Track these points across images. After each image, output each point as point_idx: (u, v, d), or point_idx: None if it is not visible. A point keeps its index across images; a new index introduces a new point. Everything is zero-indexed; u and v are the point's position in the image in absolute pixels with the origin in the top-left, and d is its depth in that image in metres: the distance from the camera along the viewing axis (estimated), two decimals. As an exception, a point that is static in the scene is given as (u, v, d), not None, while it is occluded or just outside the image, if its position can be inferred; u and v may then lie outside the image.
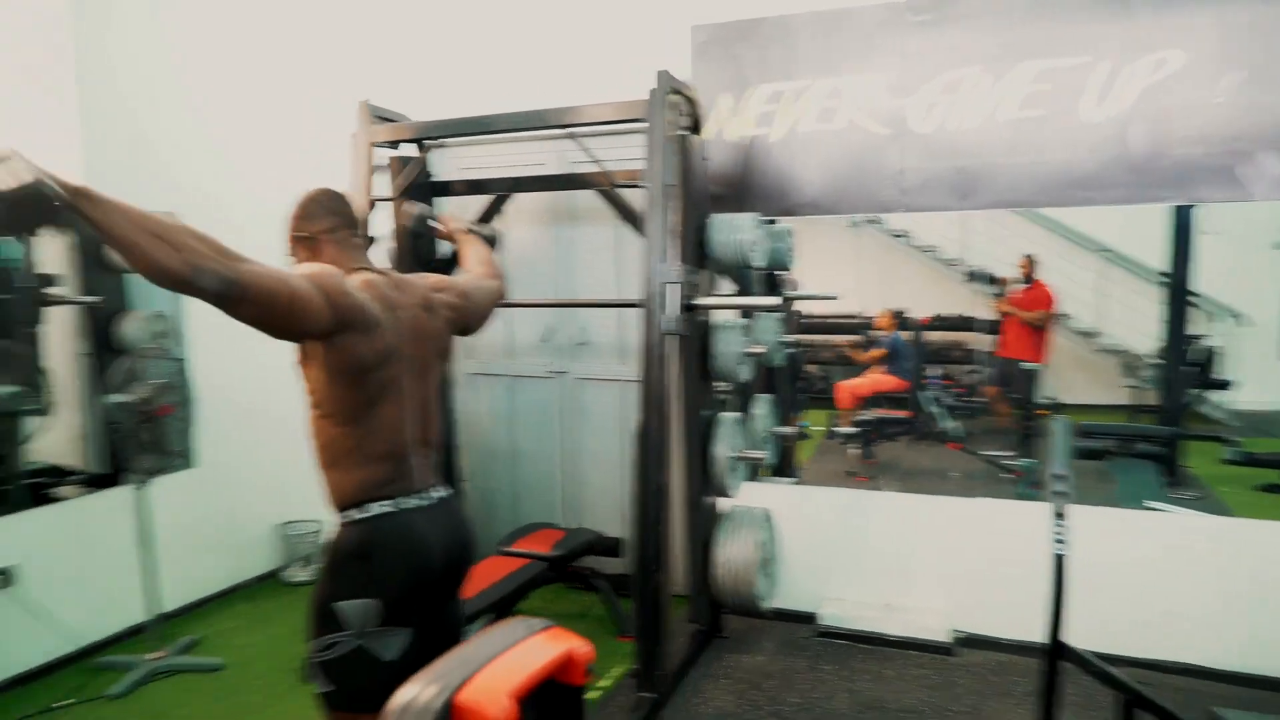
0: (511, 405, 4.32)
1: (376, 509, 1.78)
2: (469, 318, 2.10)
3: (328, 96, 4.06)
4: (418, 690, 1.31)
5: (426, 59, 4.17)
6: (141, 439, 3.34)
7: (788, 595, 3.69)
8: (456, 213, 3.68)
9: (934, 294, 7.45)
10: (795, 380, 4.40)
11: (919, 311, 6.98)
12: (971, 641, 3.44)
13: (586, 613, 3.84)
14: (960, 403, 6.63)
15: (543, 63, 3.92)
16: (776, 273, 4.06)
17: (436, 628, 1.87)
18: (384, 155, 3.63)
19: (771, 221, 3.57)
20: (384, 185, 3.63)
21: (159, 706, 3.09)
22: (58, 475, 3.55)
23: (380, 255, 3.64)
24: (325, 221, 1.86)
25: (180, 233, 1.47)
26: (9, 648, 3.19)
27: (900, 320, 6.59)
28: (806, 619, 3.66)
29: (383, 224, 3.65)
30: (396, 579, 1.76)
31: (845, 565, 3.67)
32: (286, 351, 1.78)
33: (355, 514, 1.77)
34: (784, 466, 4.42)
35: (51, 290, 3.49)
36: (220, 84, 3.98)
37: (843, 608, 3.62)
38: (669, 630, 3.05)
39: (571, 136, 3.14)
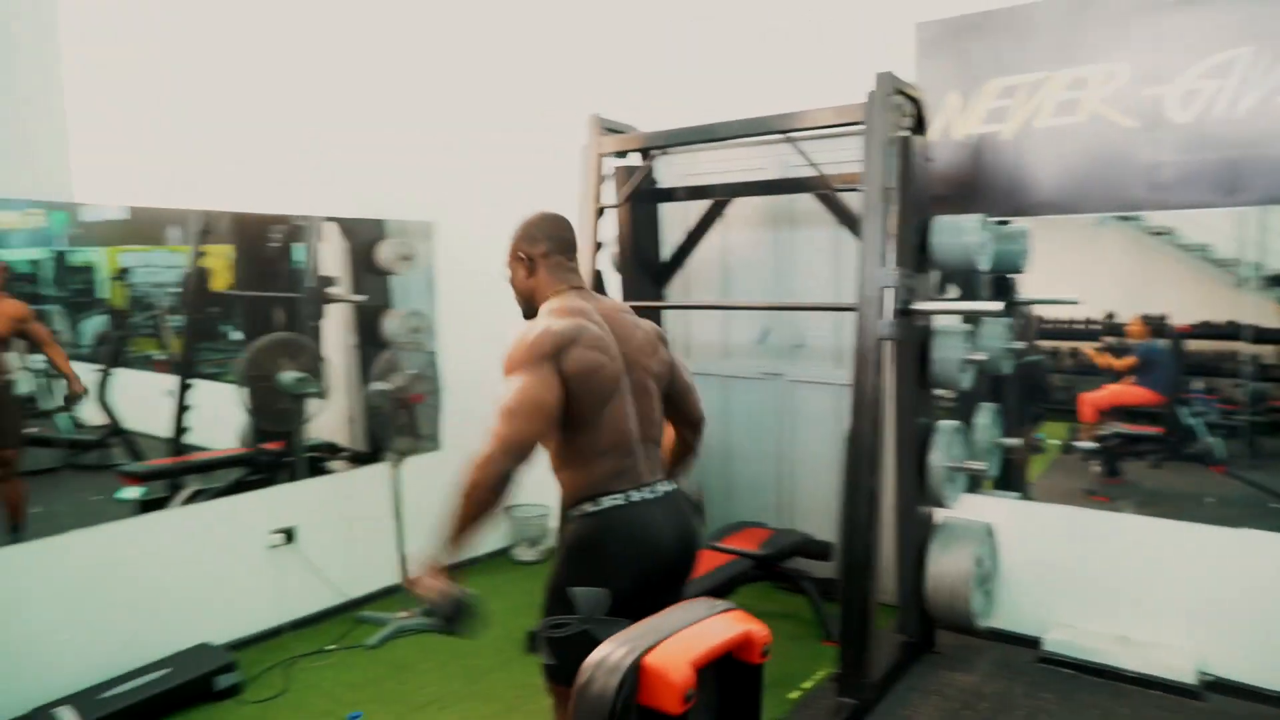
0: (727, 405, 4.41)
1: (608, 502, 1.91)
2: (672, 380, 2.15)
3: (558, 110, 4.35)
4: (610, 650, 1.44)
5: (651, 70, 4.35)
6: (397, 423, 3.78)
7: (1007, 616, 3.50)
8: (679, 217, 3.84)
9: (1198, 298, 6.66)
10: (1033, 390, 4.13)
11: (1180, 317, 6.27)
12: (1222, 687, 3.09)
13: (793, 614, 3.85)
14: (1227, 420, 5.89)
15: (764, 68, 3.97)
16: (1008, 276, 3.85)
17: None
18: (612, 164, 3.84)
19: (1004, 222, 3.40)
20: (611, 193, 3.84)
21: (405, 660, 3.48)
22: (331, 451, 4.09)
23: (605, 259, 3.86)
24: (543, 245, 2.02)
25: (471, 490, 1.78)
26: (291, 595, 3.74)
27: (1156, 327, 5.96)
28: (1028, 642, 3.45)
29: (609, 230, 3.87)
30: (629, 568, 1.89)
31: (1075, 590, 3.42)
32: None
33: (589, 507, 1.92)
34: (1011, 480, 4.17)
35: (331, 290, 4.03)
36: (467, 104, 4.39)
37: (1070, 635, 3.38)
38: (875, 638, 3.01)
39: (791, 141, 3.17)
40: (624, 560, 1.89)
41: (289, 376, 3.77)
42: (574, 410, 1.89)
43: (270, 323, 3.92)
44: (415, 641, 3.61)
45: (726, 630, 1.53)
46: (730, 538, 3.66)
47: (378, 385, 3.72)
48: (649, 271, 4.04)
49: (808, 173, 3.38)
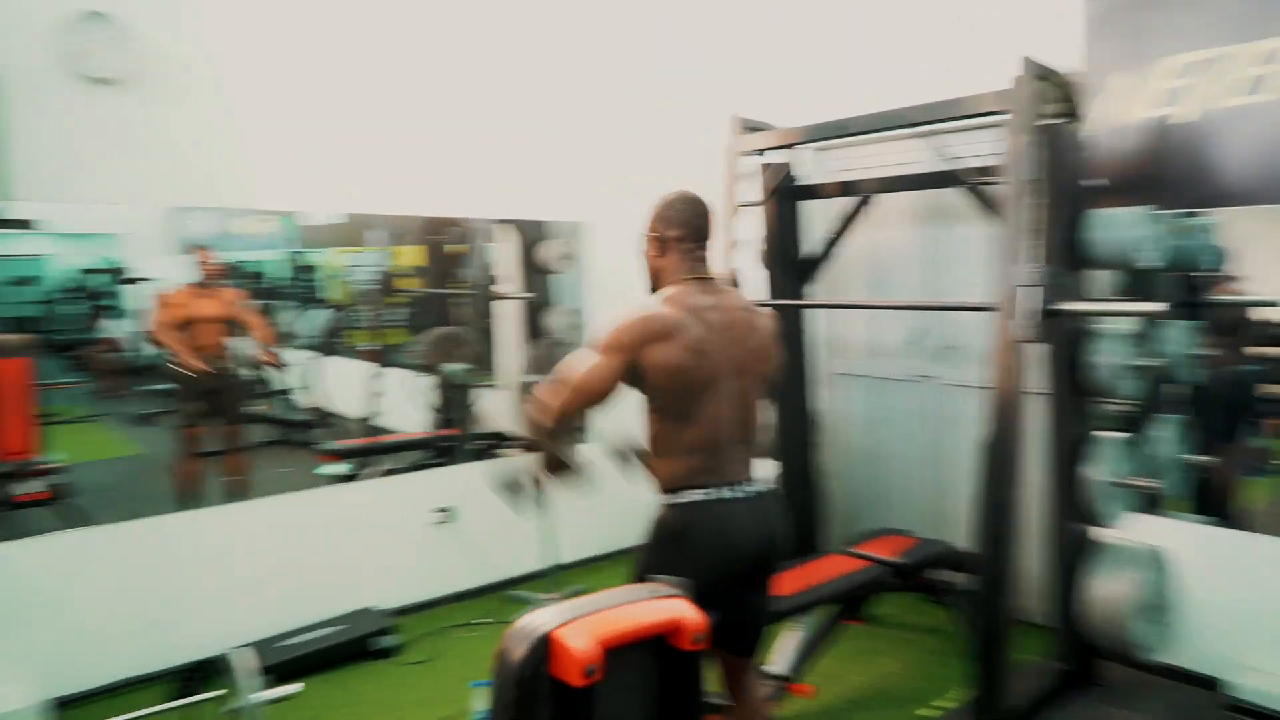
0: (875, 407, 4.27)
1: (691, 496, 1.96)
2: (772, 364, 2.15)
3: (702, 111, 4.37)
4: (532, 619, 1.55)
5: (789, 66, 4.28)
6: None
7: (1186, 653, 3.15)
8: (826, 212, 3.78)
9: None
10: (1240, 402, 3.65)
11: None
12: None
13: (938, 628, 3.67)
14: None
15: (907, 57, 3.80)
16: (1194, 274, 3.44)
17: (739, 615, 2.02)
18: (754, 163, 3.84)
19: (1190, 214, 3.06)
20: (752, 191, 3.84)
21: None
22: (499, 439, 4.37)
23: (745, 256, 3.87)
24: (678, 229, 2.05)
25: (529, 422, 2.04)
26: (450, 571, 4.05)
27: None
28: (1208, 684, 3.08)
29: (751, 228, 3.87)
30: (705, 561, 1.93)
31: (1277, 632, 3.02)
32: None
33: (673, 498, 1.98)
34: (1211, 503, 3.72)
35: (499, 288, 4.32)
36: (616, 107, 4.51)
37: (1268, 682, 2.98)
38: (1016, 661, 2.82)
39: (931, 134, 3.03)
40: (700, 554, 1.93)
41: (453, 367, 4.09)
42: (661, 402, 1.95)
43: (448, 317, 4.28)
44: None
45: (653, 615, 1.61)
46: (869, 544, 3.55)
47: (532, 378, 3.94)
48: (792, 269, 4.00)
49: (956, 165, 3.22)
